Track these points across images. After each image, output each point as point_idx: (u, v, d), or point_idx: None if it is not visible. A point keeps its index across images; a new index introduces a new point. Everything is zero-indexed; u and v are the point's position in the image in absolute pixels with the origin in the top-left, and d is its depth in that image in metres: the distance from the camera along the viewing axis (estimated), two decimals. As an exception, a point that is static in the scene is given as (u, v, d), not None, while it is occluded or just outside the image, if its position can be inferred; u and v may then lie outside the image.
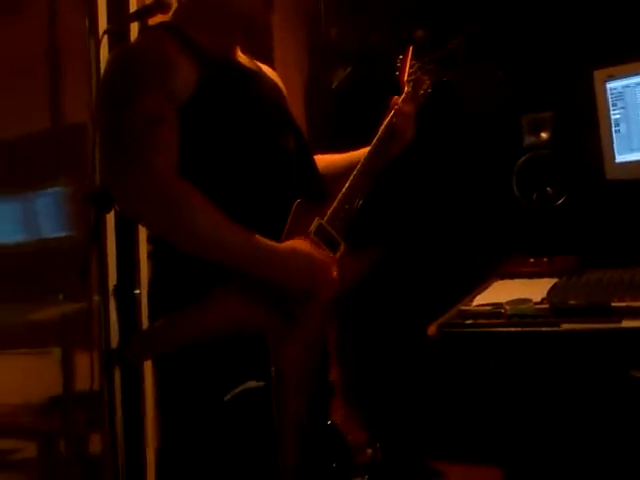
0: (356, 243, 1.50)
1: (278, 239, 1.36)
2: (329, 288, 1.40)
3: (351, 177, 1.56)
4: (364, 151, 1.66)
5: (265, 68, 1.65)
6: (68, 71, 2.34)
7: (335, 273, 1.40)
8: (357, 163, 1.64)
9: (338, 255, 1.45)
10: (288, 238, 1.38)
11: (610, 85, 2.24)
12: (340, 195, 1.52)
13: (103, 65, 2.18)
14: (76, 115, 2.40)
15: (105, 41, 1.94)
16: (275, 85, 1.62)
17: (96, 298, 2.33)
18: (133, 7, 2.31)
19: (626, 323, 1.58)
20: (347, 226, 1.50)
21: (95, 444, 2.37)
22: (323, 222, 1.46)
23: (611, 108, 2.24)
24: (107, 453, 1.84)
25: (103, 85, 1.38)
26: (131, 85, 1.32)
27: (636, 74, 2.21)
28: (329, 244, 1.44)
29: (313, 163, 1.59)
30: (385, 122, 1.67)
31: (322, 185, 1.55)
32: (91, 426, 2.37)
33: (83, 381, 2.29)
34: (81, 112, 2.34)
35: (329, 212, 1.49)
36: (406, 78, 1.79)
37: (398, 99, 1.72)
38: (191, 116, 1.34)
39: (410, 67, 1.80)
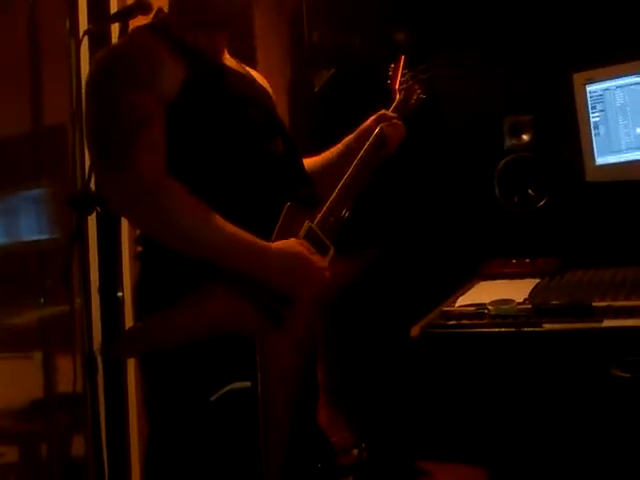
0: (344, 247, 1.50)
1: (267, 241, 1.36)
2: (318, 289, 1.40)
3: (341, 182, 1.57)
4: (342, 146, 1.70)
5: (254, 72, 1.65)
6: (48, 72, 2.33)
7: (325, 274, 1.40)
8: (337, 160, 1.65)
9: (328, 259, 1.45)
10: (278, 240, 1.38)
11: (590, 88, 2.27)
12: (330, 199, 1.53)
13: (83, 66, 2.17)
14: (56, 116, 2.38)
15: (85, 42, 1.93)
16: (263, 89, 1.62)
17: (78, 301, 2.31)
18: (114, 8, 2.30)
19: (607, 322, 1.60)
20: (337, 230, 1.50)
21: (78, 446, 2.35)
22: (313, 226, 1.46)
23: (590, 111, 2.27)
24: (90, 455, 1.82)
25: (90, 84, 1.37)
26: (118, 84, 1.32)
27: (615, 77, 2.24)
28: (319, 248, 1.44)
29: (302, 167, 1.59)
30: (375, 132, 1.69)
31: (311, 189, 1.56)
32: (74, 428, 2.36)
33: (65, 384, 2.27)
34: (61, 113, 2.33)
35: (319, 216, 1.49)
36: (397, 86, 1.81)
37: (388, 109, 1.75)
38: (178, 115, 1.34)
39: (402, 76, 1.82)
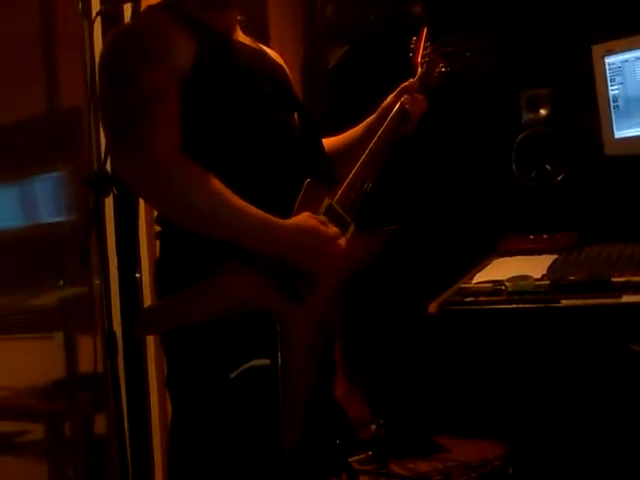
0: (364, 224, 1.49)
1: (286, 217, 1.36)
2: (335, 261, 1.40)
3: (361, 158, 1.55)
4: (363, 127, 1.67)
5: (268, 50, 1.64)
6: (62, 54, 2.33)
7: (342, 246, 1.39)
8: (358, 140, 1.64)
9: (348, 236, 1.44)
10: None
11: (609, 60, 2.23)
12: (350, 176, 1.52)
13: (97, 47, 2.17)
14: (71, 98, 2.39)
15: (98, 23, 1.93)
16: (278, 65, 1.61)
17: (97, 282, 2.34)
18: (127, -12, 2.29)
19: (626, 298, 1.59)
20: (357, 207, 1.49)
21: (100, 425, 2.39)
22: (333, 202, 1.45)
23: (609, 83, 2.23)
24: (113, 433, 1.85)
25: (102, 64, 1.36)
26: (130, 62, 1.31)
27: (635, 48, 2.20)
28: (339, 224, 1.43)
29: (321, 143, 1.58)
30: (397, 107, 1.67)
31: (330, 166, 1.54)
32: (96, 407, 2.39)
33: (86, 364, 2.30)
34: (76, 95, 2.33)
35: (339, 192, 1.48)
36: (420, 60, 1.78)
37: (409, 83, 1.72)
38: (192, 92, 1.33)
39: (424, 49, 1.79)
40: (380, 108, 1.73)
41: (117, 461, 1.58)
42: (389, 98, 1.73)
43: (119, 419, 1.65)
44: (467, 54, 1.80)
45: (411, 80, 1.75)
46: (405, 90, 1.72)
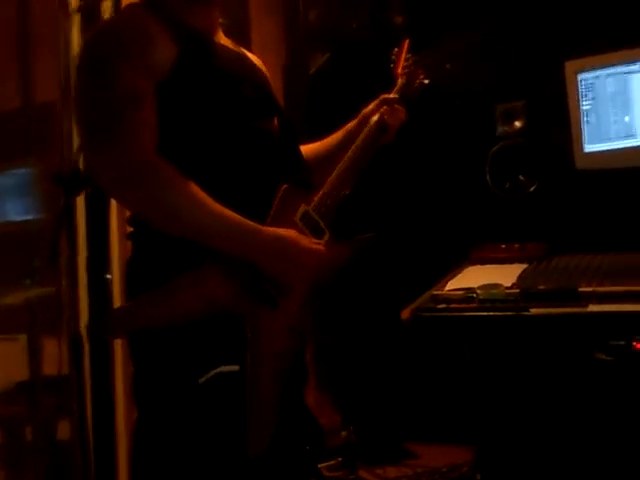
0: (338, 232, 1.49)
1: (262, 223, 1.35)
2: (311, 274, 1.39)
3: (339, 166, 1.55)
4: (343, 133, 1.67)
5: (249, 54, 1.64)
6: (37, 49, 2.30)
7: (319, 256, 1.39)
8: (336, 147, 1.64)
9: (323, 243, 1.44)
10: (273, 223, 1.37)
11: (581, 76, 2.28)
12: (327, 183, 1.51)
13: (74, 43, 2.15)
14: (46, 94, 2.36)
15: (76, 19, 1.91)
16: (258, 69, 1.61)
17: (65, 282, 2.30)
18: (105, -14, 2.27)
19: (592, 307, 1.62)
20: (333, 214, 1.49)
21: (64, 430, 2.34)
22: (309, 209, 1.45)
23: (582, 99, 2.27)
24: (76, 439, 1.82)
25: (81, 61, 1.35)
26: (110, 60, 1.30)
27: (607, 66, 2.25)
28: (314, 232, 1.43)
29: (299, 150, 1.58)
30: (376, 117, 1.67)
31: (308, 172, 1.54)
32: (60, 411, 2.35)
33: (51, 366, 2.26)
34: (51, 91, 2.30)
35: (315, 199, 1.48)
36: (400, 71, 1.79)
37: (389, 95, 1.73)
38: (170, 93, 1.32)
39: (405, 60, 1.81)
40: (361, 115, 1.73)
41: (80, 468, 1.55)
42: (370, 106, 1.74)
43: (83, 424, 1.63)
44: (447, 66, 1.82)
45: (392, 93, 1.76)
46: (385, 101, 1.72)
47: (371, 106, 1.73)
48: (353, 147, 1.60)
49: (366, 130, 1.65)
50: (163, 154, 1.28)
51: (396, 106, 1.71)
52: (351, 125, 1.73)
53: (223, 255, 1.30)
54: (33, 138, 2.35)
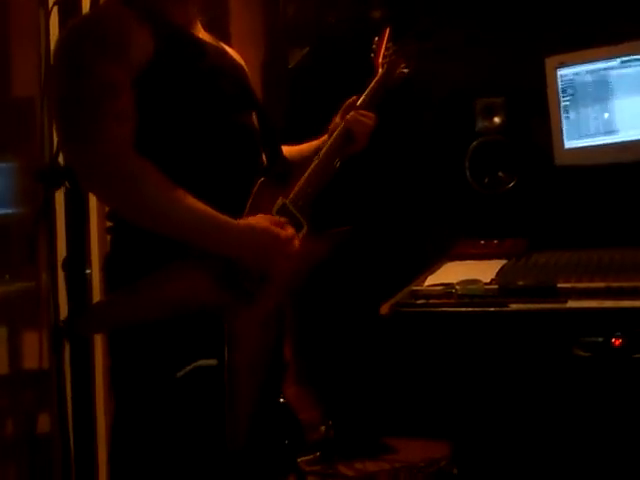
0: (316, 225, 1.50)
1: (240, 216, 1.36)
2: (287, 263, 1.40)
3: (315, 160, 1.57)
4: (309, 149, 1.67)
5: (228, 48, 1.63)
6: (16, 43, 2.28)
7: (295, 248, 1.40)
8: (303, 160, 1.64)
9: (300, 236, 1.45)
10: (250, 215, 1.38)
11: (561, 72, 2.29)
12: (305, 176, 1.52)
13: (53, 37, 2.12)
14: (24, 89, 2.34)
15: (55, 13, 1.89)
16: (237, 64, 1.60)
17: (44, 277, 2.28)
18: (85, -21, 2.25)
19: (571, 303, 1.63)
20: (310, 207, 1.50)
21: (44, 423, 2.33)
22: (287, 202, 1.46)
23: (561, 95, 2.29)
24: (56, 432, 1.81)
25: (58, 54, 1.34)
26: (87, 54, 1.29)
27: (586, 62, 2.26)
28: (292, 224, 1.44)
29: (277, 143, 1.58)
30: (340, 128, 1.65)
31: (286, 166, 1.55)
32: (40, 405, 2.34)
33: (31, 360, 2.25)
34: (30, 86, 2.28)
35: (293, 192, 1.49)
36: (380, 60, 1.78)
37: (352, 100, 1.71)
38: (148, 86, 1.32)
39: (385, 49, 1.80)
40: (329, 131, 1.71)
41: (60, 461, 1.55)
42: (334, 119, 1.72)
43: (63, 418, 1.62)
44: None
45: (371, 79, 1.75)
46: (349, 108, 1.71)
47: (336, 119, 1.72)
48: (320, 157, 1.60)
49: (330, 141, 1.64)
50: (141, 148, 1.28)
51: (363, 112, 1.69)
52: (319, 142, 1.71)
53: (199, 250, 1.30)
54: (11, 133, 2.33)
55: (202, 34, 1.53)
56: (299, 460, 2.30)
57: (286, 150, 1.66)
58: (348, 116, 1.68)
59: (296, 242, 1.40)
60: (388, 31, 1.83)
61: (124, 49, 1.31)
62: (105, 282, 1.45)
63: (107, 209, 1.47)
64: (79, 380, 2.32)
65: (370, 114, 1.70)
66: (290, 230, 1.40)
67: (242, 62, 1.64)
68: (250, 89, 1.56)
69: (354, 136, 1.66)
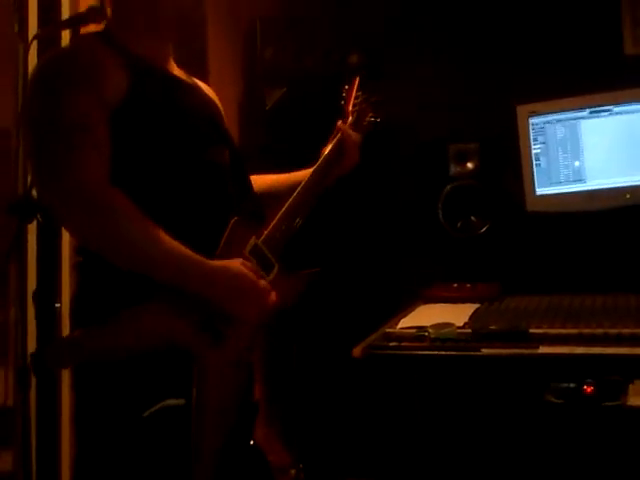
0: (286, 265, 1.49)
1: (211, 255, 1.35)
2: (261, 313, 1.39)
3: (291, 198, 1.55)
4: (303, 174, 1.66)
5: (201, 83, 1.64)
6: (-6, 75, 2.27)
7: (270, 299, 1.39)
8: (296, 185, 1.64)
9: (272, 277, 1.44)
10: (222, 255, 1.36)
11: (532, 120, 2.35)
12: (278, 215, 1.51)
13: (31, 70, 2.12)
14: (0, 121, 2.32)
15: (34, 47, 1.89)
16: (210, 100, 1.61)
17: (13, 311, 2.24)
18: (65, 14, 2.26)
19: (543, 349, 1.64)
20: (282, 248, 1.49)
21: (6, 462, 2.27)
22: (259, 242, 1.45)
23: (532, 142, 2.34)
24: (19, 471, 1.76)
25: (32, 88, 1.33)
26: (60, 89, 1.29)
27: (557, 111, 2.32)
28: (263, 265, 1.43)
29: (248, 180, 1.58)
30: (331, 145, 1.68)
31: (258, 204, 1.55)
32: (2, 443, 2.27)
33: (-5, 397, 2.19)
34: (6, 118, 2.27)
35: (266, 232, 1.48)
36: (351, 108, 1.81)
37: (345, 124, 1.75)
38: (121, 123, 1.31)
39: (355, 98, 1.83)
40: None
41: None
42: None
43: (26, 456, 1.58)
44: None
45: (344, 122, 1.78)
46: (340, 132, 1.73)
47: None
48: (305, 180, 1.60)
49: (320, 159, 1.65)
50: (114, 184, 1.27)
51: (351, 135, 1.72)
52: (303, 172, 1.71)
53: (170, 288, 1.29)
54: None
55: (176, 70, 1.54)
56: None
57: (266, 180, 1.66)
58: (339, 124, 1.71)
59: (273, 296, 1.40)
60: (357, 80, 1.87)
61: (98, 84, 1.31)
62: (72, 317, 1.43)
63: (77, 243, 1.44)
64: (44, 419, 2.28)
65: (357, 134, 1.74)
66: (264, 282, 1.39)
67: (214, 97, 1.65)
68: (222, 125, 1.57)
69: (344, 145, 1.69)
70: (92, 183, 1.24)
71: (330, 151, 1.68)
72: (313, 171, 1.63)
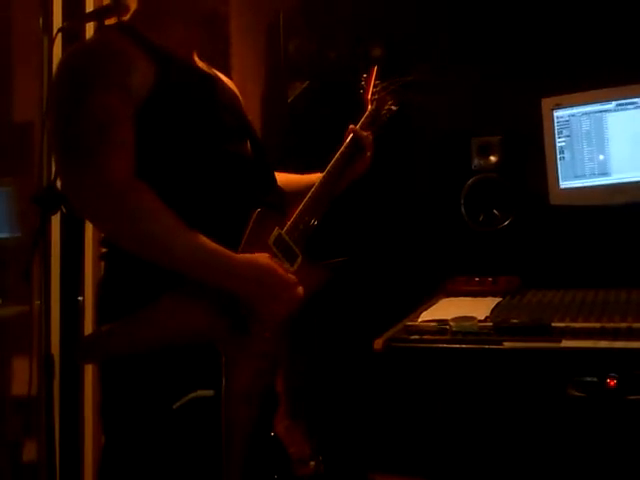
0: (310, 256, 1.50)
1: (236, 247, 1.35)
2: (287, 308, 1.39)
3: (312, 190, 1.57)
4: (316, 175, 1.66)
5: (222, 76, 1.64)
6: (20, 69, 2.30)
7: (297, 294, 1.39)
8: (310, 185, 1.64)
9: (295, 267, 1.44)
10: (247, 247, 1.37)
11: (557, 113, 2.32)
12: (301, 207, 1.52)
13: (55, 64, 2.14)
14: (25, 114, 2.35)
15: (59, 40, 1.91)
16: (232, 92, 1.61)
17: (37, 302, 2.27)
18: (90, 7, 2.28)
19: (565, 343, 1.63)
20: (306, 238, 1.50)
21: (30, 451, 2.30)
22: (282, 233, 1.45)
23: (557, 136, 2.31)
24: (43, 460, 1.78)
25: (57, 83, 1.34)
26: (86, 83, 1.29)
27: (582, 104, 2.29)
28: (287, 255, 1.44)
29: (271, 172, 1.58)
30: (344, 145, 1.69)
31: (280, 195, 1.55)
32: (27, 432, 2.31)
33: (20, 386, 2.23)
34: (30, 111, 2.30)
35: (289, 223, 1.48)
36: (369, 97, 1.81)
37: (356, 125, 1.75)
38: (147, 117, 1.32)
39: (374, 86, 1.83)
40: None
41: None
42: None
43: (50, 446, 1.60)
44: (410, 94, 1.84)
45: (360, 116, 1.78)
46: (352, 132, 1.73)
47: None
48: (324, 174, 1.61)
49: (340, 149, 1.66)
50: (139, 176, 1.27)
51: (364, 135, 1.72)
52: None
53: (196, 281, 1.29)
54: (10, 157, 2.34)
55: (199, 64, 1.54)
56: (288, 495, 2.26)
57: (282, 178, 1.67)
58: (351, 127, 1.71)
59: (300, 290, 1.40)
60: (375, 69, 1.87)
61: (125, 79, 1.30)
62: (97, 309, 1.44)
63: (102, 235, 1.46)
64: (68, 409, 2.31)
65: (367, 132, 1.74)
66: (292, 276, 1.39)
67: (235, 89, 1.65)
68: (244, 117, 1.57)
69: (361, 144, 1.69)
70: (118, 182, 1.24)
71: (341, 152, 1.68)
72: (327, 170, 1.63)
